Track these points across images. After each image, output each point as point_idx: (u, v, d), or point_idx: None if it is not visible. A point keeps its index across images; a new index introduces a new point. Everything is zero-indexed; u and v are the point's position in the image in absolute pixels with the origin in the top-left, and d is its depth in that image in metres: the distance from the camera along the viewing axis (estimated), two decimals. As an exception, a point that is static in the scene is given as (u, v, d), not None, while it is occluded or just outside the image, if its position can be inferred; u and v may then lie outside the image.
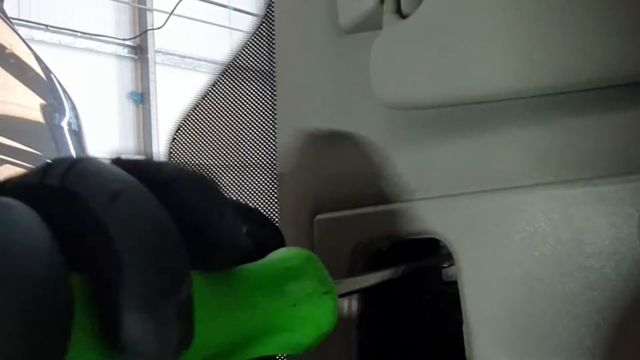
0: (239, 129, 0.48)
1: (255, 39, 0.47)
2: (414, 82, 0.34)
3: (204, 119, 0.51)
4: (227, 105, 0.50)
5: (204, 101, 0.50)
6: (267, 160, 0.48)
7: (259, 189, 0.49)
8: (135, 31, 6.35)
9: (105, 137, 5.87)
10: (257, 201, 0.48)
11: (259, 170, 0.48)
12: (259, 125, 0.47)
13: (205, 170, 0.52)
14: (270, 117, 0.47)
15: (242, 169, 0.49)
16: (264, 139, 0.47)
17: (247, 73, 0.49)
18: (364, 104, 0.37)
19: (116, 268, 0.17)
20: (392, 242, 0.36)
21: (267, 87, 0.48)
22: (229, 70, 0.49)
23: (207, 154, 0.50)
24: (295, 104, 0.42)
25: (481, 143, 0.31)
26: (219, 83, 0.50)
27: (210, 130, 0.50)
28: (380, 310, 0.37)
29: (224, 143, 0.49)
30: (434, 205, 0.32)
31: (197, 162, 0.52)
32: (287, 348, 0.25)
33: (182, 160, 0.53)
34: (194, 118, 0.51)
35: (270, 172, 0.47)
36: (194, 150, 0.51)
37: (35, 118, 1.74)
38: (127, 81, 6.30)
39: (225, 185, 0.50)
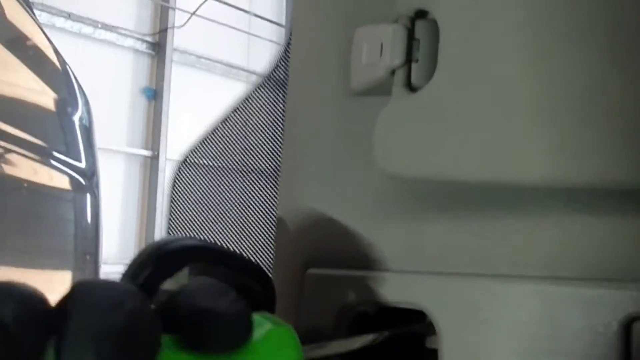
0: (244, 166, 0.49)
1: (267, 83, 0.49)
2: (416, 155, 0.34)
3: (213, 150, 0.52)
4: (236, 140, 0.52)
5: (213, 134, 0.51)
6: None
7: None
8: (155, 28, 6.41)
9: (115, 129, 5.90)
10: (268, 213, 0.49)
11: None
12: (265, 164, 0.48)
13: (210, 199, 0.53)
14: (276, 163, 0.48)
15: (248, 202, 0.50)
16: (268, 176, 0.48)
17: (258, 114, 0.50)
18: (365, 168, 0.37)
19: None
20: (378, 306, 0.36)
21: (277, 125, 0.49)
22: (242, 109, 0.50)
23: (212, 187, 0.52)
24: (300, 154, 0.43)
25: (473, 226, 0.32)
26: (229, 120, 0.51)
27: (218, 162, 0.51)
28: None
29: (227, 178, 0.50)
30: (422, 280, 0.33)
31: (202, 189, 0.53)
32: None
33: (188, 184, 0.54)
34: (203, 148, 0.52)
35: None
36: (201, 181, 0.52)
37: (46, 105, 1.76)
38: (142, 76, 6.34)
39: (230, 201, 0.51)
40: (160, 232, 6.12)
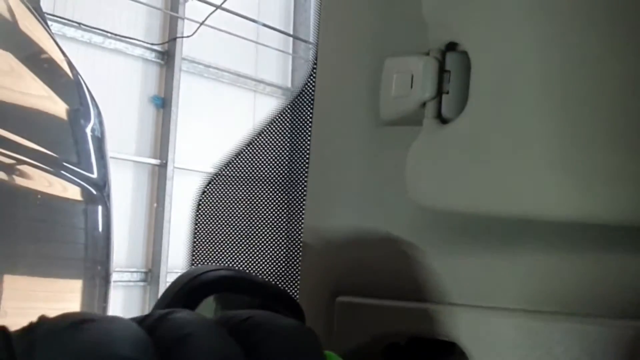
0: (266, 195, 0.49)
1: (289, 111, 0.49)
2: (447, 188, 0.35)
3: (243, 165, 0.53)
4: (266, 156, 0.52)
5: (244, 149, 0.51)
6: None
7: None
8: (164, 37, 6.45)
9: (124, 138, 5.94)
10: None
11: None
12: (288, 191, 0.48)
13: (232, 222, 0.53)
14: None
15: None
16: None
17: (281, 140, 0.50)
18: (395, 197, 0.38)
19: None
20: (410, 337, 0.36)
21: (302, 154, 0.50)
22: (262, 136, 0.51)
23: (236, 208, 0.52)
24: (327, 180, 0.43)
25: (507, 259, 0.32)
26: (251, 145, 0.51)
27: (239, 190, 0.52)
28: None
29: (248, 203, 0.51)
30: (456, 312, 0.33)
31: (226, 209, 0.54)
32: None
33: (212, 204, 0.54)
34: (233, 162, 0.53)
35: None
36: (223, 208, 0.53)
37: (59, 117, 1.77)
38: (151, 85, 6.38)
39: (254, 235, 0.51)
40: (167, 240, 6.14)
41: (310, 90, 0.49)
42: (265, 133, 0.51)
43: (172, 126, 6.31)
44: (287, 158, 0.50)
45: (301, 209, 0.47)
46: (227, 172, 0.52)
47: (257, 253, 0.50)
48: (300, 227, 0.47)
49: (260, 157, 0.51)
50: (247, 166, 0.52)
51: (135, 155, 6.19)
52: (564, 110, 0.31)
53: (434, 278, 0.35)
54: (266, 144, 0.51)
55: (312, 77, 0.50)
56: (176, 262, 6.03)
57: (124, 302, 5.89)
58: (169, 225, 6.21)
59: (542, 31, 0.33)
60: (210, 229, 0.52)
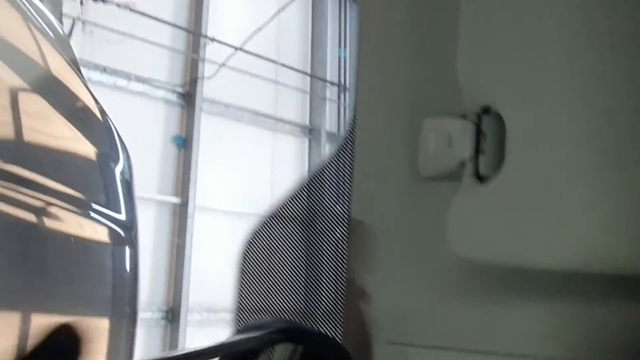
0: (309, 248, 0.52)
1: (333, 164, 0.52)
2: (489, 241, 0.37)
3: (278, 230, 0.55)
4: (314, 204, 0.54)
5: (277, 216, 0.54)
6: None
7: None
8: (186, 79, 6.63)
9: (147, 177, 6.05)
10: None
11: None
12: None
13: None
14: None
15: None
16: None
17: (323, 195, 0.53)
18: (437, 249, 0.40)
19: None
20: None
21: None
22: (305, 189, 0.54)
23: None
24: (369, 233, 0.46)
25: (550, 310, 0.34)
26: (295, 197, 0.54)
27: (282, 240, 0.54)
28: None
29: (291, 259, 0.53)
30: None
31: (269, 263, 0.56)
32: None
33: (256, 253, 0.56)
34: (267, 229, 0.55)
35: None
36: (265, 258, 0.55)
37: (89, 160, 1.83)
38: (173, 126, 6.53)
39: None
40: (188, 278, 6.16)
41: (350, 149, 0.52)
42: (308, 186, 0.54)
43: (192, 165, 6.42)
44: (331, 210, 0.52)
45: (343, 257, 0.49)
46: (273, 221, 0.55)
47: (300, 299, 0.52)
48: (339, 276, 0.49)
49: (304, 207, 0.54)
50: (291, 216, 0.55)
51: (157, 194, 6.29)
52: (595, 170, 0.34)
53: (475, 327, 0.37)
54: (310, 196, 0.54)
55: (351, 135, 0.53)
56: (197, 300, 6.03)
57: (145, 341, 5.88)
58: (189, 263, 6.25)
59: (573, 93, 0.36)
60: (256, 276, 0.55)
